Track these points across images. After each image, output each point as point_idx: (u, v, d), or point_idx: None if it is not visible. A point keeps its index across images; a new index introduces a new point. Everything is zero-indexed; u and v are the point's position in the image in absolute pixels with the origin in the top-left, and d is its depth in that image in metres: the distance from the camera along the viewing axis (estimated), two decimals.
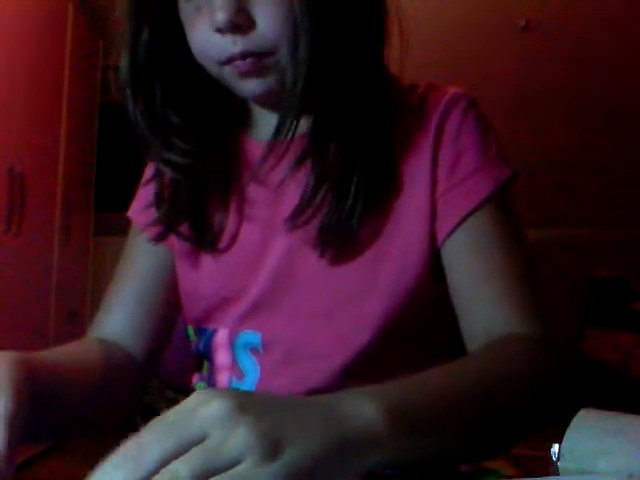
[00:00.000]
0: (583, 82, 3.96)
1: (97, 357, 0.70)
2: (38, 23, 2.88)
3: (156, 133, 0.66)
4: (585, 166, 4.09)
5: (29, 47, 2.79)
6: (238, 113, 0.74)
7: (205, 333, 0.74)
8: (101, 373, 0.68)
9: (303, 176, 0.64)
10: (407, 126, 0.67)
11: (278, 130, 0.62)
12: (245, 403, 0.39)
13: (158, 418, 0.39)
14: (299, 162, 0.63)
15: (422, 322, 0.68)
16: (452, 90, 0.69)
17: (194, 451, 0.37)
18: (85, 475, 0.40)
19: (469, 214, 0.63)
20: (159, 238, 0.72)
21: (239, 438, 0.37)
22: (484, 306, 0.62)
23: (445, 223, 0.64)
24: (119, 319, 0.75)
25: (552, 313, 0.64)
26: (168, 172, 0.68)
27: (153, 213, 0.72)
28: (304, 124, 0.64)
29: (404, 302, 0.65)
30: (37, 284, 2.90)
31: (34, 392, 0.52)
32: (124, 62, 0.65)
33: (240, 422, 0.37)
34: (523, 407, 0.56)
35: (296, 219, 0.64)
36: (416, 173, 0.66)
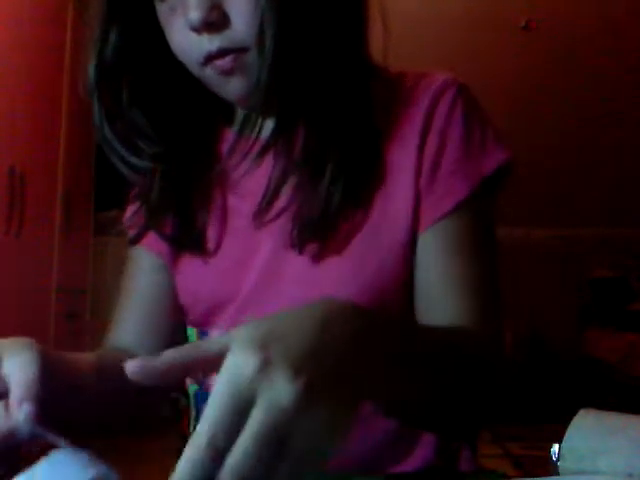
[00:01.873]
0: (583, 82, 3.96)
1: (109, 359, 0.70)
2: (38, 23, 2.87)
3: (119, 136, 0.66)
4: (585, 166, 4.09)
5: (29, 47, 2.79)
6: (220, 106, 0.72)
7: (205, 336, 0.74)
8: (110, 373, 0.68)
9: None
10: (395, 115, 0.66)
11: (243, 124, 0.62)
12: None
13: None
14: (262, 152, 0.62)
15: (411, 311, 0.68)
16: (442, 77, 0.68)
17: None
18: None
19: (443, 216, 0.64)
20: (137, 238, 0.72)
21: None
22: (444, 306, 0.63)
23: (422, 220, 0.65)
24: (130, 331, 0.76)
25: (504, 321, 0.68)
26: (131, 175, 0.68)
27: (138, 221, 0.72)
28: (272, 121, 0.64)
29: (391, 292, 0.65)
30: (37, 284, 2.90)
31: (49, 379, 0.51)
32: (91, 63, 0.65)
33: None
34: (452, 382, 0.56)
35: (262, 213, 0.64)
36: (403, 161, 0.65)
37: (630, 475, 0.43)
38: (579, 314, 4.03)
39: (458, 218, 0.64)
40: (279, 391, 0.36)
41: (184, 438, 0.78)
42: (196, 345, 0.41)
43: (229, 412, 0.36)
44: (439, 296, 0.64)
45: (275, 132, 0.63)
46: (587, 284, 4.02)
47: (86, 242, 3.52)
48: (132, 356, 0.73)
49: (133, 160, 0.66)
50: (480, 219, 0.66)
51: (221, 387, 0.37)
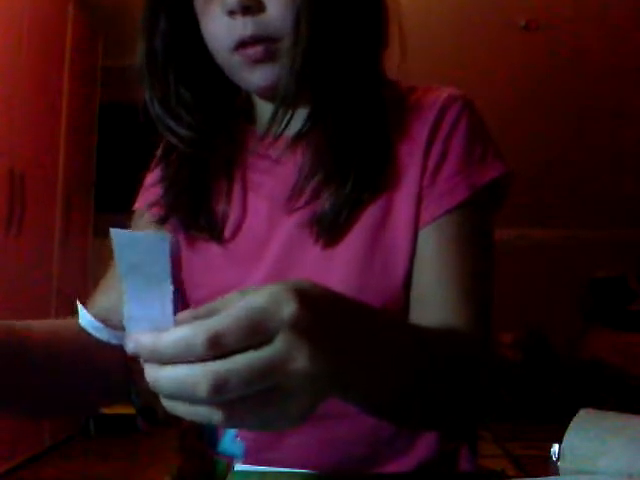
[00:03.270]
0: (583, 81, 3.97)
1: (75, 333, 0.67)
2: (38, 23, 2.87)
3: (167, 109, 0.71)
4: (585, 165, 4.09)
5: (29, 47, 2.79)
6: (243, 108, 0.76)
7: None
8: (79, 349, 0.67)
9: (306, 168, 0.68)
10: (404, 122, 0.70)
11: (274, 116, 0.65)
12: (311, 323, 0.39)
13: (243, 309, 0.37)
14: (295, 140, 0.67)
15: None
16: (449, 90, 0.72)
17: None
18: (86, 475, 0.40)
19: (442, 215, 0.67)
20: (161, 220, 0.74)
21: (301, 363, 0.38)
22: (435, 303, 0.65)
23: (422, 217, 0.67)
24: (111, 299, 0.75)
25: (492, 322, 0.68)
26: (176, 142, 0.72)
27: (154, 194, 0.75)
28: (302, 114, 0.68)
29: (396, 286, 0.66)
30: (37, 284, 2.90)
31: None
32: (141, 48, 0.70)
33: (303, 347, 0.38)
34: (446, 382, 0.58)
35: (294, 199, 0.67)
36: (409, 164, 0.68)
37: (630, 475, 0.43)
38: (579, 314, 4.03)
39: (456, 219, 0.67)
40: (298, 356, 0.37)
41: (182, 437, 0.78)
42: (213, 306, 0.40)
43: (243, 329, 0.36)
44: (431, 293, 0.66)
45: (306, 124, 0.67)
46: (587, 284, 4.02)
47: (86, 243, 3.52)
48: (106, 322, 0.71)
49: (181, 131, 0.71)
50: (477, 224, 0.68)
51: (247, 307, 0.37)
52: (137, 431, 3.34)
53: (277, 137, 0.66)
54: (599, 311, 3.94)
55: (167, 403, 0.38)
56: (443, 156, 0.68)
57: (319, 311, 0.40)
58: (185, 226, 0.73)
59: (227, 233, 0.72)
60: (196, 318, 0.38)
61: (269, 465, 0.66)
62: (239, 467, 0.60)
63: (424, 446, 0.69)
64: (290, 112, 0.65)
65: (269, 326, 0.37)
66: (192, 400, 0.37)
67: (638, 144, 3.97)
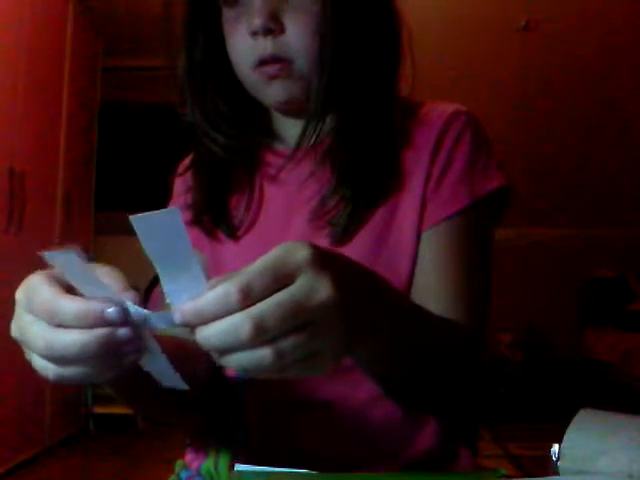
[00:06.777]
0: (583, 81, 3.97)
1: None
2: (38, 23, 2.87)
3: (206, 117, 0.77)
4: (586, 166, 4.09)
5: (29, 47, 2.79)
6: (262, 128, 0.81)
7: None
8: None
9: (320, 175, 0.73)
10: (412, 133, 0.74)
11: (304, 133, 0.71)
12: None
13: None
14: (324, 159, 0.73)
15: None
16: (454, 106, 0.76)
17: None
18: (86, 475, 0.40)
19: (445, 219, 0.70)
20: (191, 222, 0.78)
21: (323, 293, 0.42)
22: (433, 304, 0.67)
23: (426, 221, 0.71)
24: None
25: (488, 324, 0.71)
26: (214, 148, 0.77)
27: (184, 199, 0.80)
28: (324, 131, 0.73)
29: (399, 286, 0.68)
30: None
31: None
32: (181, 62, 0.77)
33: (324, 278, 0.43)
34: (443, 366, 0.63)
35: (318, 210, 0.72)
36: (415, 172, 0.72)
37: (630, 475, 0.43)
38: (579, 314, 4.04)
39: (456, 224, 0.70)
40: (321, 287, 0.42)
41: (193, 435, 0.78)
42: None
43: (268, 274, 0.41)
44: (430, 292, 0.69)
45: (335, 142, 0.73)
46: (587, 284, 4.02)
47: (86, 242, 3.52)
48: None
49: (219, 138, 0.77)
50: (477, 230, 0.72)
51: (268, 257, 0.42)
52: (137, 431, 3.35)
53: (297, 148, 0.73)
54: (599, 311, 3.94)
55: (222, 360, 0.42)
56: (447, 165, 0.71)
57: (331, 254, 0.46)
58: (212, 225, 0.77)
59: (242, 230, 0.77)
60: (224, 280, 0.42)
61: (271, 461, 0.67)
62: (239, 467, 0.60)
63: (423, 442, 0.70)
64: (319, 128, 0.72)
65: (289, 269, 0.41)
66: (240, 346, 0.40)
67: (638, 143, 3.98)
